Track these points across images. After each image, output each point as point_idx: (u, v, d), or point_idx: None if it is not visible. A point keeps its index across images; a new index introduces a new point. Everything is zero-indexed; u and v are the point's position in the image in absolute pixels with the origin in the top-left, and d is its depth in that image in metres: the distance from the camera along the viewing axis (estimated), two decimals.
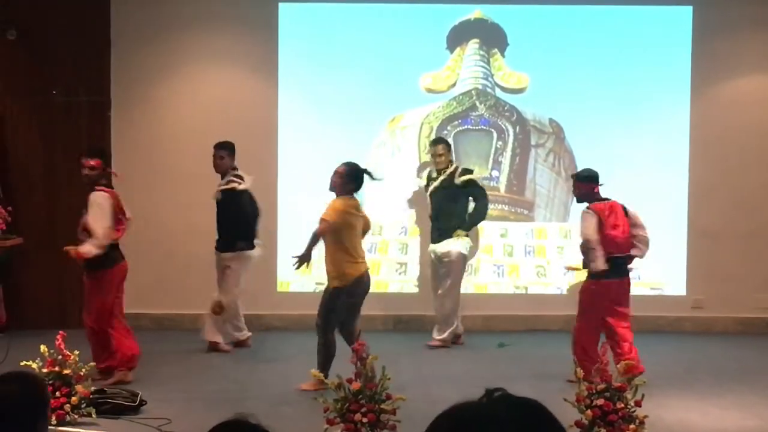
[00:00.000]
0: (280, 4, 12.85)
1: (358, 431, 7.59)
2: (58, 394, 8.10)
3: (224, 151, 11.35)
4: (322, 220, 9.39)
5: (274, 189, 12.72)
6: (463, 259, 11.88)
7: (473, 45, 13.08)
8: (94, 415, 8.20)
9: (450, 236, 11.75)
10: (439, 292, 11.84)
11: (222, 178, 11.36)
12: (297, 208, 12.58)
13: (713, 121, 12.81)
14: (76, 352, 8.45)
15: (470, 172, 11.92)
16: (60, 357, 8.33)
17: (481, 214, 11.92)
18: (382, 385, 7.74)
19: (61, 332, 8.49)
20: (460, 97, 13.08)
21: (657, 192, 12.64)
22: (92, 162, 9.81)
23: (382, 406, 7.67)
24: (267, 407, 8.60)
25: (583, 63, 12.95)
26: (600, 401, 7.64)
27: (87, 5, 12.66)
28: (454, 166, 11.91)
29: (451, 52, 13.08)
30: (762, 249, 12.72)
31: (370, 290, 9.74)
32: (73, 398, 8.15)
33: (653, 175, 12.83)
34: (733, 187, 12.52)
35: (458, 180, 11.77)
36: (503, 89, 13.08)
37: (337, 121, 12.88)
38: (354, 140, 12.77)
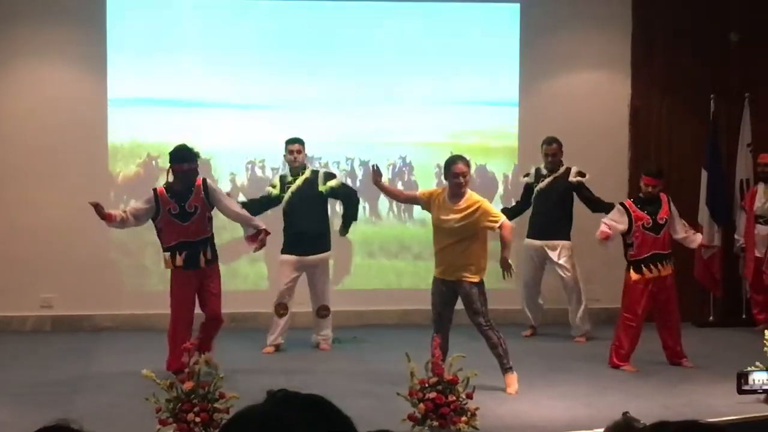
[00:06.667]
0: None
1: (191, 431, 7.55)
2: None
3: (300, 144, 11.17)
4: (503, 223, 9.15)
5: (105, 186, 12.44)
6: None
7: None
8: None
9: None
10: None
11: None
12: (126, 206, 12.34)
13: (542, 117, 13.01)
14: None
15: None
16: None
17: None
18: (215, 384, 7.71)
19: None
20: None
21: (487, 187, 12.85)
22: None
23: (216, 405, 7.64)
24: (98, 408, 8.48)
25: (410, 62, 13.04)
26: (432, 394, 7.75)
27: None
28: None
29: None
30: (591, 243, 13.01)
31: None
32: None
33: (483, 172, 13.08)
34: None
35: None
36: None
37: (176, 117, 12.63)
38: (197, 133, 12.17)
